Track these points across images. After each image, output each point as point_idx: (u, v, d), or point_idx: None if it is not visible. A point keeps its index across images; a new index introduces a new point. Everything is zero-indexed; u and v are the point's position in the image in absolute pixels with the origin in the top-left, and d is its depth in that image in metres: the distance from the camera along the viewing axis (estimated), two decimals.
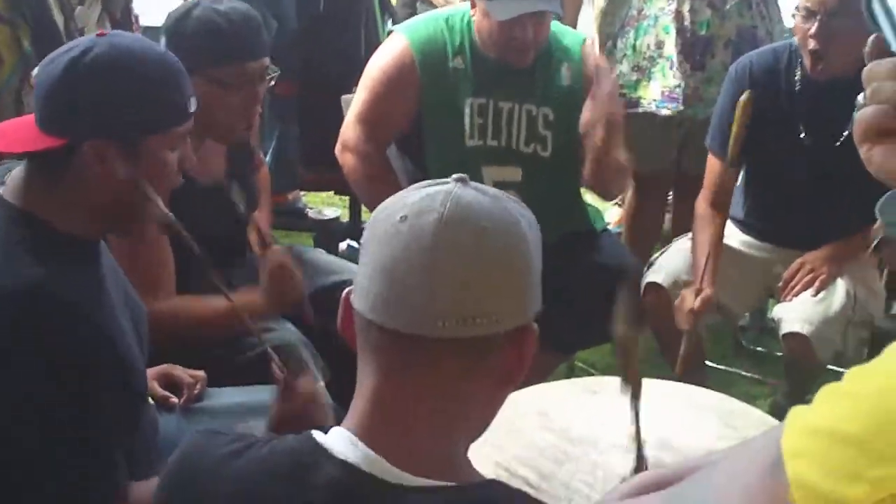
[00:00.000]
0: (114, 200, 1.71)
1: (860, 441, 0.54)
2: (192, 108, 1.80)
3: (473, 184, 1.22)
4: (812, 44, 2.73)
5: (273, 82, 2.52)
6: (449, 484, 1.15)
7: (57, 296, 1.60)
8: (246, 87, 2.43)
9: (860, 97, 0.88)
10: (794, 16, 2.82)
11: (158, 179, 1.74)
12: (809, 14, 2.72)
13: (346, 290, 1.24)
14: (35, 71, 1.80)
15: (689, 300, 2.78)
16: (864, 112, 0.87)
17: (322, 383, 2.22)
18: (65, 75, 1.65)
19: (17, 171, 1.73)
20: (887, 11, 0.91)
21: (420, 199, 1.19)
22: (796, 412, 0.59)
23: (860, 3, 0.93)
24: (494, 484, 1.20)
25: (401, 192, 1.24)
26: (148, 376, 1.97)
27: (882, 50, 0.88)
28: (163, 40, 2.42)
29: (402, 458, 1.15)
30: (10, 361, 1.59)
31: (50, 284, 1.60)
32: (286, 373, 1.89)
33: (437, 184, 1.22)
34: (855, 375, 0.58)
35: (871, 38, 0.90)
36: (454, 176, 1.22)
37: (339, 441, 1.17)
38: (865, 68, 0.88)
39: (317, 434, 1.19)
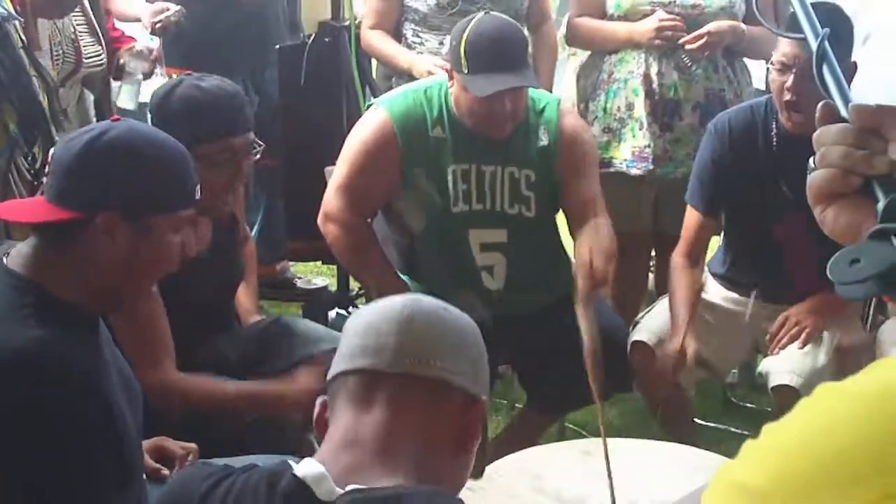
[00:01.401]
0: (116, 275, 1.78)
1: (762, 494, 0.56)
2: (198, 196, 1.87)
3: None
4: (788, 95, 2.79)
5: (258, 156, 2.56)
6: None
7: (58, 357, 1.66)
8: (231, 162, 2.47)
9: (811, 161, 0.91)
10: (768, 70, 2.88)
11: (159, 260, 1.82)
12: (785, 67, 2.78)
13: (320, 401, 1.44)
14: (52, 150, 1.90)
15: (669, 349, 2.81)
16: (815, 175, 0.90)
17: None
18: (84, 152, 1.76)
19: (23, 244, 1.81)
20: (836, 79, 0.95)
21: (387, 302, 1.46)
22: (721, 467, 0.62)
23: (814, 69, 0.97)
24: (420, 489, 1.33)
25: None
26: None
27: (831, 115, 0.92)
28: (148, 118, 2.47)
29: (350, 478, 1.30)
30: (7, 421, 1.62)
31: (52, 346, 1.66)
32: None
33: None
34: (769, 431, 0.60)
35: (821, 104, 0.93)
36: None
37: (306, 462, 1.32)
38: (815, 133, 0.92)
39: (291, 459, 1.36)
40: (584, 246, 2.81)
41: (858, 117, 0.89)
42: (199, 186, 1.90)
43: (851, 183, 0.88)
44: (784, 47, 2.78)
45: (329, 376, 1.43)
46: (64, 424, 1.64)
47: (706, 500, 0.62)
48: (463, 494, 2.16)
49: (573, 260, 2.88)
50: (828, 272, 0.83)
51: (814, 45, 0.99)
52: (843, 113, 0.91)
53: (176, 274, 2.19)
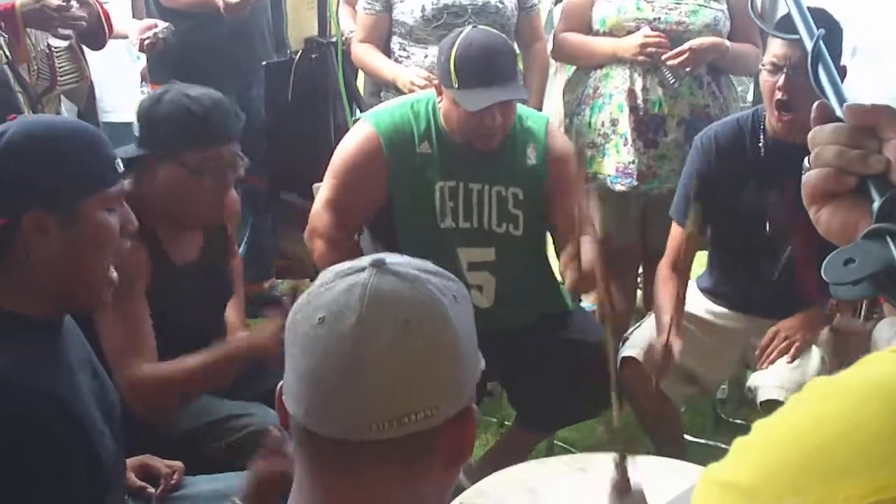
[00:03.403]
0: (62, 272, 1.74)
1: (749, 491, 0.56)
2: (120, 169, 1.84)
3: (392, 267, 1.18)
4: (779, 94, 2.79)
5: (243, 171, 2.55)
6: None
7: (22, 384, 1.61)
8: (217, 172, 2.46)
9: (806, 161, 0.91)
10: (760, 72, 2.88)
11: (99, 243, 1.78)
12: (776, 68, 2.79)
13: (279, 387, 1.22)
14: None
15: (656, 348, 2.80)
16: (809, 175, 0.90)
17: None
18: None
19: None
20: (832, 80, 0.95)
21: (337, 295, 1.15)
22: (709, 466, 0.61)
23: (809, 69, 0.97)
24: None
25: (318, 282, 1.20)
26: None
27: (827, 115, 0.91)
28: (136, 126, 2.46)
29: None
30: None
31: (12, 373, 1.61)
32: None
33: (355, 269, 1.18)
34: (757, 428, 0.60)
35: (816, 103, 0.93)
36: (371, 259, 1.19)
37: None
38: (810, 133, 0.91)
39: None
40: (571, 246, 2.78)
41: (853, 116, 0.89)
42: (118, 161, 1.85)
43: (846, 182, 0.87)
44: (775, 48, 2.79)
45: (284, 402, 1.20)
46: (30, 449, 1.60)
47: (695, 500, 0.61)
48: None
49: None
50: (822, 272, 0.82)
51: (809, 45, 0.98)
52: (838, 112, 0.91)
53: (167, 283, 2.19)
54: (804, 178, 0.90)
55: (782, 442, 0.57)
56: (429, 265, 1.22)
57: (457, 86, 2.78)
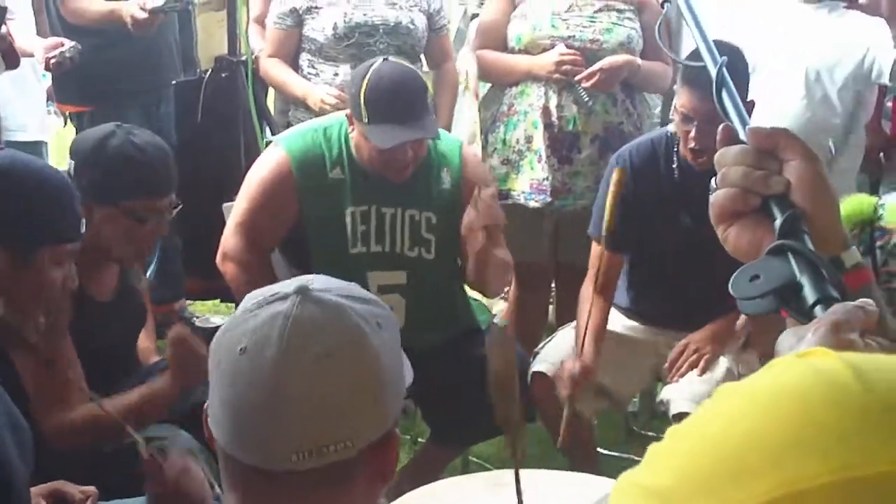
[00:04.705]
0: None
1: (665, 494, 0.58)
2: (83, 230, 1.84)
3: (315, 294, 1.19)
4: (692, 143, 2.85)
5: (174, 213, 2.55)
6: None
7: None
8: (157, 218, 2.48)
9: (713, 181, 0.94)
10: (672, 115, 2.94)
11: (40, 292, 1.77)
12: (686, 119, 2.84)
13: (205, 407, 1.23)
14: None
15: (569, 366, 2.83)
16: (717, 195, 0.93)
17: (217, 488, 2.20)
18: None
19: None
20: (734, 103, 0.99)
21: (260, 325, 1.16)
22: (624, 474, 0.63)
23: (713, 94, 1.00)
24: None
25: (241, 308, 1.21)
26: (35, 494, 1.94)
27: (731, 137, 0.95)
28: (70, 164, 2.43)
29: None
30: None
31: None
32: (152, 455, 1.87)
33: (279, 297, 1.19)
34: (670, 434, 0.62)
35: (721, 126, 0.96)
36: (296, 286, 1.19)
37: None
38: (716, 154, 0.94)
39: None
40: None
41: (755, 139, 0.92)
42: (83, 221, 1.87)
43: (751, 202, 0.91)
44: (683, 99, 2.83)
45: (210, 426, 1.20)
46: None
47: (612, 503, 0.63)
48: None
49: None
50: (730, 288, 0.85)
51: (713, 71, 1.02)
52: (741, 135, 0.94)
53: (87, 317, 2.16)
54: (712, 198, 0.94)
55: (694, 446, 0.59)
56: (354, 289, 1.24)
57: (367, 121, 2.77)
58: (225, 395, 1.16)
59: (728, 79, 1.02)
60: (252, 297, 1.21)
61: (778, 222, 0.88)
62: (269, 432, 1.14)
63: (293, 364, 1.14)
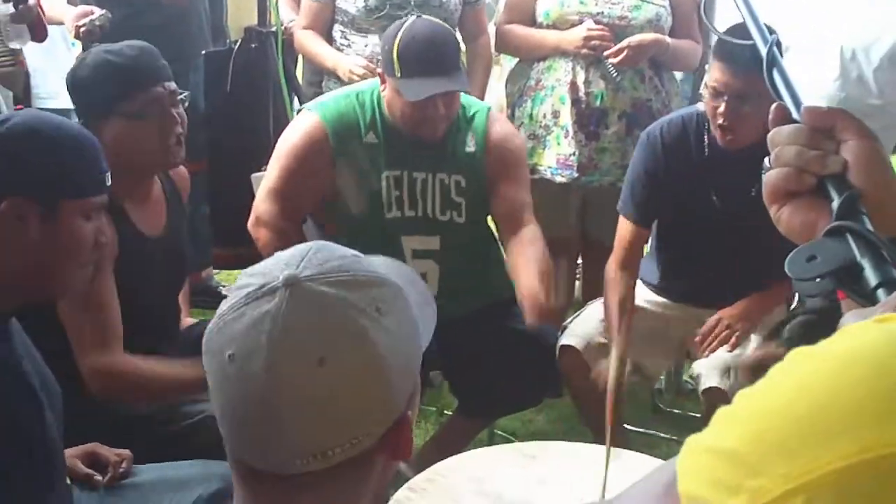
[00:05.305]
0: (30, 264, 1.75)
1: (739, 455, 0.58)
2: (108, 183, 1.86)
3: (306, 286, 1.08)
4: (720, 119, 2.83)
5: (185, 103, 2.55)
6: None
7: None
8: (159, 111, 2.46)
9: (766, 160, 0.94)
10: (702, 91, 2.92)
11: (71, 247, 1.79)
12: (716, 93, 2.82)
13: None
14: None
15: (605, 362, 2.84)
16: (770, 175, 0.93)
17: None
18: None
19: None
20: (787, 83, 0.98)
21: (246, 329, 1.07)
22: (692, 437, 0.64)
23: (763, 83, 1.00)
24: None
25: (226, 304, 1.11)
26: (70, 455, 1.98)
27: (783, 117, 0.95)
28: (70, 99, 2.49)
29: None
30: None
31: None
32: None
33: (265, 292, 1.08)
34: (741, 397, 0.62)
35: (774, 105, 0.96)
36: (284, 277, 1.09)
37: None
38: (769, 133, 0.94)
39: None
40: (526, 269, 2.82)
41: (810, 119, 0.92)
42: (109, 174, 1.89)
43: (806, 182, 0.91)
44: (716, 73, 2.80)
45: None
46: None
47: (679, 467, 0.63)
48: (404, 495, 2.17)
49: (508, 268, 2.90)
50: (786, 268, 0.85)
51: (763, 50, 1.02)
52: (794, 115, 0.94)
53: (139, 262, 2.22)
54: (765, 177, 0.93)
55: (769, 408, 0.59)
56: (350, 267, 1.12)
57: (399, 75, 2.79)
58: (219, 402, 1.11)
59: (779, 57, 1.01)
60: (238, 289, 1.12)
61: (835, 203, 0.88)
62: (267, 441, 1.08)
63: (285, 375, 1.06)
